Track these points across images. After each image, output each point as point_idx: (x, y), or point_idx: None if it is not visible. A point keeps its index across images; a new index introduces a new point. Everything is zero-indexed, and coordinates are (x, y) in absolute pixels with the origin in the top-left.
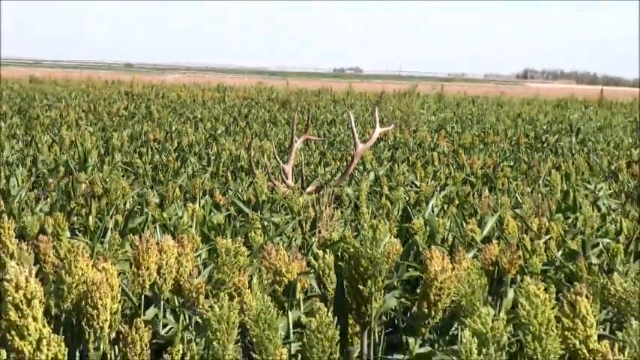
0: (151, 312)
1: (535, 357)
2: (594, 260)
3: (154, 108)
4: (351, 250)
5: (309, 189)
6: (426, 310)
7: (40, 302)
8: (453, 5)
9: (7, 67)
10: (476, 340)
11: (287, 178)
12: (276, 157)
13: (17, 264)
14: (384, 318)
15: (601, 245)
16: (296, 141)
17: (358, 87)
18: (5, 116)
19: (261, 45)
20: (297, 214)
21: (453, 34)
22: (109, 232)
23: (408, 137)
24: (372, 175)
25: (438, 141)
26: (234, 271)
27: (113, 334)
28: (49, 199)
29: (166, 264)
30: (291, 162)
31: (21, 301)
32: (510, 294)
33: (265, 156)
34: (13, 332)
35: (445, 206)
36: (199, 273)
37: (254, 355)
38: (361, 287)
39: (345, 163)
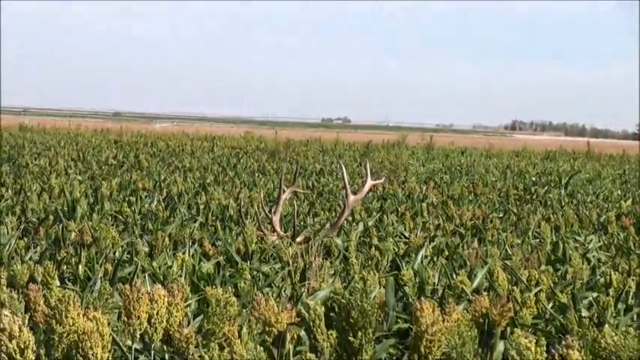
0: None
1: None
2: (585, 313)
3: (143, 157)
4: (342, 301)
5: (298, 239)
6: None
7: (32, 351)
8: (441, 57)
9: None
10: None
11: (275, 228)
12: (263, 207)
13: (10, 313)
14: None
15: (591, 298)
16: (284, 191)
17: (346, 137)
18: None
19: (249, 94)
20: (286, 264)
21: (440, 85)
22: (99, 281)
23: (397, 188)
24: (361, 226)
25: (427, 192)
26: (224, 321)
27: None
28: (38, 248)
29: (157, 313)
30: (279, 212)
31: (14, 350)
32: (501, 346)
33: (255, 205)
34: None
35: (434, 257)
36: (189, 323)
37: None
38: (352, 339)
39: (334, 214)
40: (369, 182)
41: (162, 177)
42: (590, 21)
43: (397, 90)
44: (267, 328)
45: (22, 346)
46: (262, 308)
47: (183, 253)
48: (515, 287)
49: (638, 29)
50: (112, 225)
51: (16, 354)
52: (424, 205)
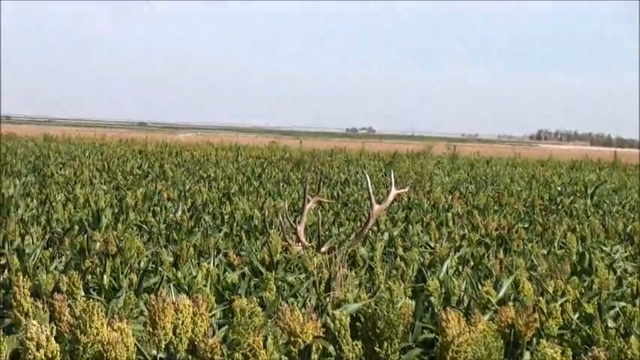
0: None
1: None
2: (611, 324)
3: (168, 167)
4: (368, 311)
5: (323, 249)
6: None
7: None
8: (467, 67)
9: (21, 125)
10: None
11: (300, 238)
12: (288, 217)
13: (37, 323)
14: None
15: (617, 308)
16: (308, 201)
17: (371, 147)
18: (20, 174)
19: (274, 104)
20: (311, 274)
21: (466, 95)
22: (124, 291)
23: (423, 198)
24: (386, 236)
25: (452, 202)
26: (249, 332)
27: None
28: (63, 258)
29: (182, 324)
30: (303, 222)
31: (42, 359)
32: (527, 357)
33: (280, 215)
34: None
35: (460, 267)
36: (214, 333)
37: None
38: (377, 349)
39: (359, 224)
40: (394, 191)
41: (187, 187)
42: (620, 30)
43: (422, 100)
44: (292, 339)
45: (50, 356)
46: (287, 318)
47: (208, 263)
48: (541, 298)
49: None
50: (137, 235)
51: None
52: (449, 215)
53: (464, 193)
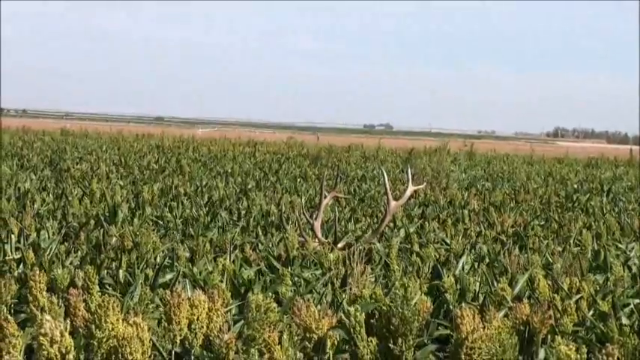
0: None
1: None
2: (625, 321)
3: (185, 162)
4: (383, 308)
5: (340, 245)
6: None
7: (72, 357)
8: (483, 64)
9: (38, 119)
10: None
11: (316, 233)
12: (305, 213)
13: (52, 318)
14: None
15: (632, 306)
16: (325, 197)
17: (388, 143)
18: (36, 168)
19: (290, 100)
20: (327, 270)
21: (482, 91)
22: (139, 286)
23: (439, 195)
24: (402, 232)
25: (468, 199)
26: (264, 327)
27: None
28: (79, 252)
29: (198, 319)
30: (320, 218)
31: (55, 355)
32: (541, 354)
33: (296, 211)
34: None
35: (475, 264)
36: (229, 328)
37: None
38: (392, 346)
39: (375, 220)
40: (411, 188)
41: (204, 182)
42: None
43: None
44: (307, 334)
45: (64, 351)
46: (303, 314)
47: (224, 259)
48: (556, 295)
49: None
50: (153, 230)
51: (57, 359)
52: (465, 211)
53: (480, 190)
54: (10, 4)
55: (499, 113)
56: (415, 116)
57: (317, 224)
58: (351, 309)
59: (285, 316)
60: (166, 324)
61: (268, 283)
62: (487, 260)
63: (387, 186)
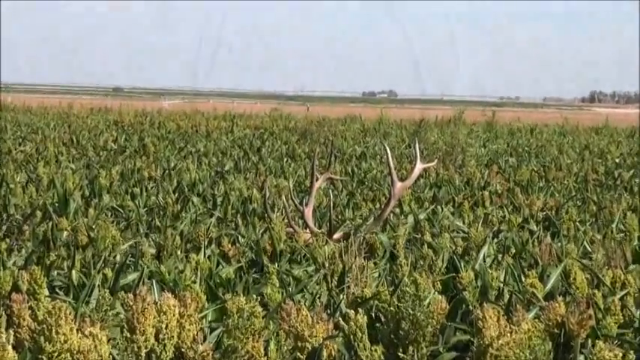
0: None
1: None
2: None
3: (149, 140)
4: (390, 309)
5: (335, 236)
6: None
7: None
8: (506, 15)
9: None
10: None
11: (308, 223)
12: (293, 199)
13: None
14: None
15: None
16: (317, 179)
17: (392, 113)
18: None
19: (276, 64)
20: (321, 265)
21: (505, 50)
22: (97, 289)
23: (454, 174)
24: (410, 220)
25: (489, 178)
26: (247, 336)
27: None
28: (23, 251)
29: (166, 327)
30: (312, 204)
31: None
32: None
33: (283, 196)
34: None
35: (499, 256)
36: (205, 338)
37: None
38: (401, 354)
39: (378, 205)
40: (419, 166)
41: (173, 164)
42: None
43: (452, 58)
44: (299, 344)
45: None
46: (293, 319)
47: (198, 255)
48: (596, 291)
49: None
50: (112, 222)
51: None
52: (486, 193)
53: (503, 167)
54: None
55: (524, 76)
56: (424, 81)
57: (308, 212)
58: (351, 312)
59: (271, 323)
60: (129, 334)
61: (251, 283)
62: (513, 251)
63: (391, 165)
